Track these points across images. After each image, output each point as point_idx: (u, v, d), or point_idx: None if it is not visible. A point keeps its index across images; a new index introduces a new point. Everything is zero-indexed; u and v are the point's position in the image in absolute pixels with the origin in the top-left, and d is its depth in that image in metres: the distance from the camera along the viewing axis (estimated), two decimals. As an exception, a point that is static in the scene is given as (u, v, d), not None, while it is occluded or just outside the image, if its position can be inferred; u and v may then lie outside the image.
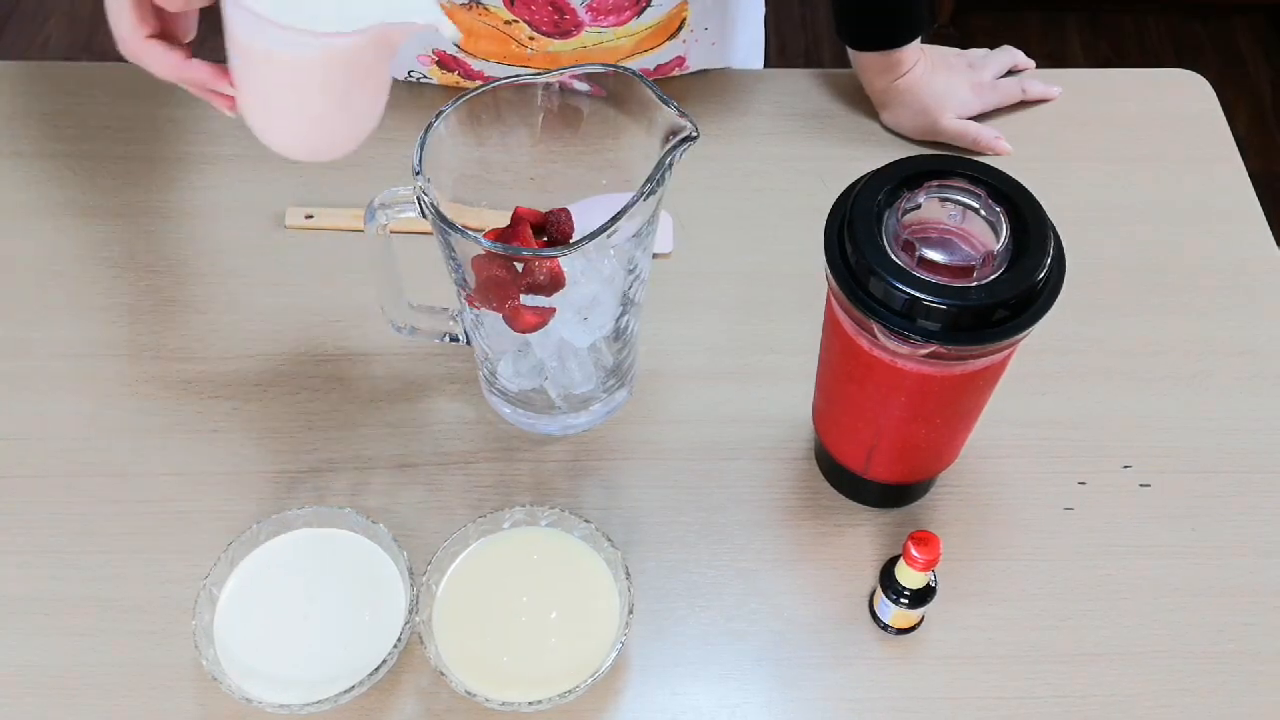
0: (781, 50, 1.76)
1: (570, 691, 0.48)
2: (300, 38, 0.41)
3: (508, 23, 0.68)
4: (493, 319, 0.52)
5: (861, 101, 0.73)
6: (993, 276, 0.43)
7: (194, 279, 0.65)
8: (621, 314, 0.54)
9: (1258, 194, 0.70)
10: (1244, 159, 0.72)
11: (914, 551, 0.48)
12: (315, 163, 0.50)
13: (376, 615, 0.51)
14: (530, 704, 0.48)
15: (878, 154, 0.71)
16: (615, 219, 0.47)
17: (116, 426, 0.59)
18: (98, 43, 1.74)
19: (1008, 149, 0.70)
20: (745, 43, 0.78)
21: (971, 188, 0.45)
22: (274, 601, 0.52)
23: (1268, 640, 0.53)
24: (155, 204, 0.68)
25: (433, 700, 0.51)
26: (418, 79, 0.73)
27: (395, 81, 0.73)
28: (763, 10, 0.79)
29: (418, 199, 0.49)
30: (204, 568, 0.51)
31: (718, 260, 0.66)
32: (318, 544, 0.53)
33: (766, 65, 0.81)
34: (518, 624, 0.51)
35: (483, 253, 0.48)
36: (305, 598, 0.52)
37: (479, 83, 0.71)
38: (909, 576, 0.50)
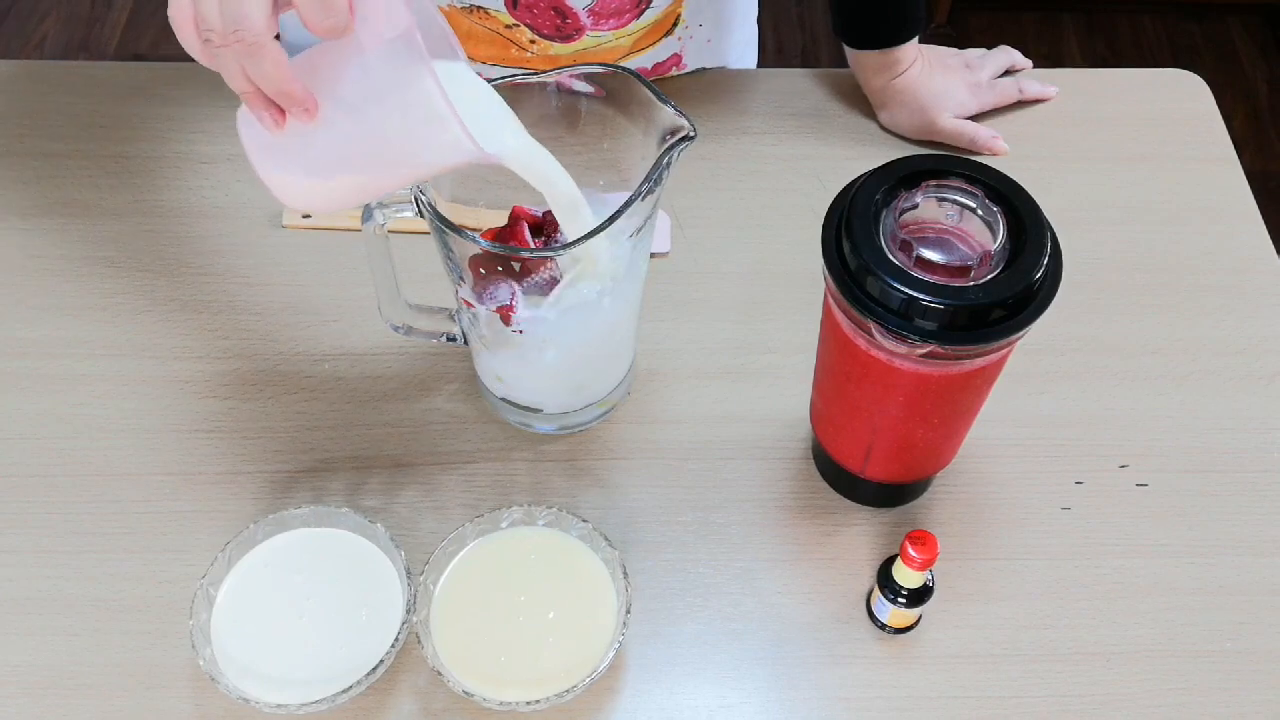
0: (779, 50, 1.76)
1: (568, 691, 0.48)
2: (467, 147, 0.40)
3: (509, 27, 0.68)
4: (490, 318, 0.52)
5: (859, 101, 0.73)
6: (990, 276, 0.43)
7: (191, 278, 0.65)
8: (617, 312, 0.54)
9: (1254, 193, 0.70)
10: (1240, 158, 0.72)
11: (911, 551, 0.48)
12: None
13: (374, 615, 0.51)
14: (528, 704, 0.48)
15: (875, 154, 0.71)
16: (613, 218, 0.47)
17: (113, 426, 0.59)
18: (94, 41, 1.74)
19: (1005, 149, 0.71)
20: (739, 41, 0.78)
21: (969, 187, 0.45)
22: (271, 601, 0.51)
23: (1263, 638, 0.53)
24: (152, 203, 0.68)
25: (430, 700, 0.51)
26: None
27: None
28: (755, 9, 0.79)
29: (415, 199, 0.49)
30: (201, 567, 0.51)
31: (715, 260, 0.66)
32: (315, 543, 0.53)
33: (764, 65, 0.81)
34: (515, 623, 0.51)
35: (480, 252, 0.48)
36: (302, 597, 0.52)
37: None
38: (906, 576, 0.50)
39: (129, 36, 1.74)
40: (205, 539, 0.55)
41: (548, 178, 0.47)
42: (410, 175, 0.44)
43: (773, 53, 1.75)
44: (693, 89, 0.74)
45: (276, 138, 0.42)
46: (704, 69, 0.75)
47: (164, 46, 1.73)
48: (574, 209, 0.48)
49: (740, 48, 0.78)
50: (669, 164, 0.48)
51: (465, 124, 0.39)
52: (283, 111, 0.41)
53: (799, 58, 1.77)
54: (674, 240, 0.67)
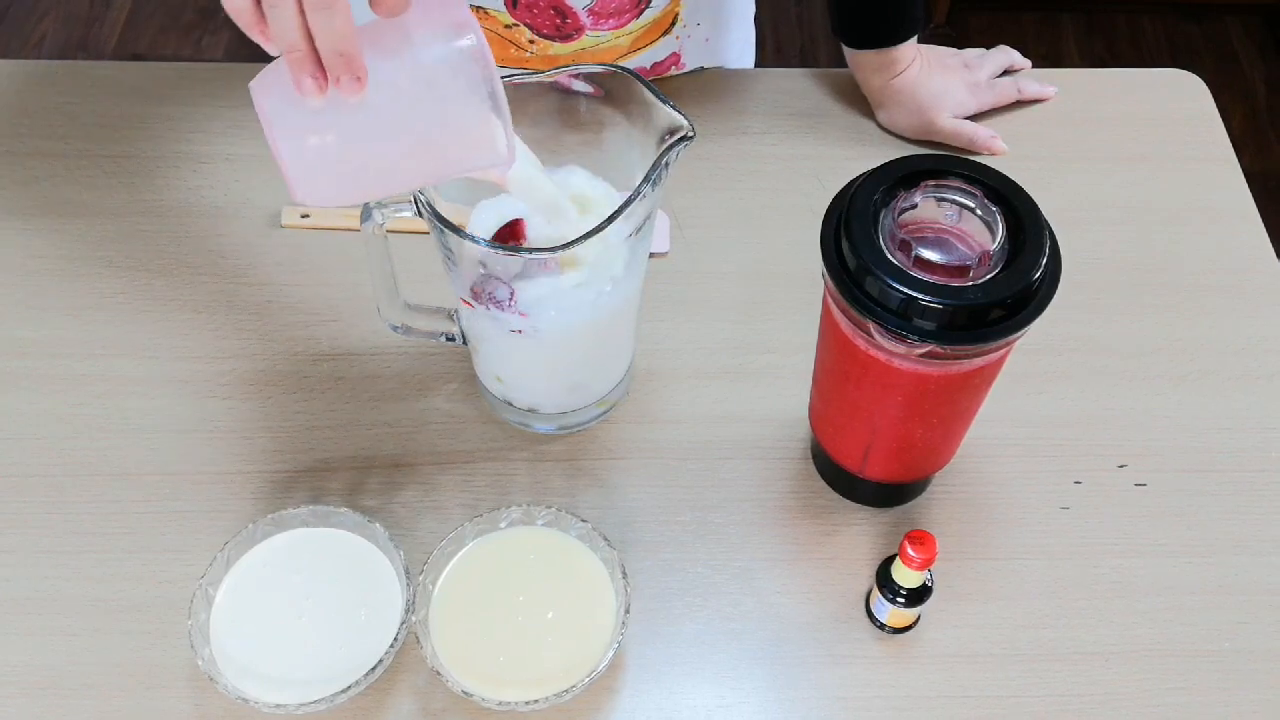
0: (778, 49, 1.77)
1: (567, 691, 0.48)
2: (499, 152, 0.41)
3: (508, 27, 0.68)
4: (489, 318, 0.52)
5: (858, 101, 0.73)
6: (989, 276, 0.43)
7: (190, 278, 0.65)
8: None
9: (1253, 193, 0.70)
10: (1239, 159, 0.72)
11: (910, 551, 0.48)
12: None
13: (373, 615, 0.51)
14: (527, 703, 0.48)
15: (874, 153, 0.71)
16: (612, 218, 0.47)
17: (112, 426, 0.59)
18: (92, 41, 1.74)
19: (1004, 149, 0.71)
20: (738, 40, 0.78)
21: (968, 187, 0.45)
22: (271, 601, 0.51)
23: (1261, 638, 0.53)
24: (151, 203, 0.68)
25: (429, 700, 0.51)
26: None
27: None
28: (753, 8, 0.79)
29: (414, 198, 0.49)
30: (199, 567, 0.51)
31: (715, 260, 0.66)
32: (314, 543, 0.53)
33: (762, 64, 0.81)
34: (514, 623, 0.51)
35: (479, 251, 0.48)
36: (301, 597, 0.52)
37: None
38: (905, 576, 0.50)
39: (128, 36, 1.74)
40: (205, 539, 0.55)
41: (545, 200, 0.48)
42: (427, 172, 0.44)
43: (771, 52, 1.75)
44: (691, 88, 0.74)
45: (304, 109, 0.39)
46: (702, 68, 0.75)
47: (162, 46, 1.73)
48: (559, 214, 0.49)
49: (739, 47, 0.78)
50: (668, 164, 0.48)
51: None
52: (325, 77, 0.38)
53: (798, 57, 1.77)
54: (673, 240, 0.67)
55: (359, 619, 0.51)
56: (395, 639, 0.49)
